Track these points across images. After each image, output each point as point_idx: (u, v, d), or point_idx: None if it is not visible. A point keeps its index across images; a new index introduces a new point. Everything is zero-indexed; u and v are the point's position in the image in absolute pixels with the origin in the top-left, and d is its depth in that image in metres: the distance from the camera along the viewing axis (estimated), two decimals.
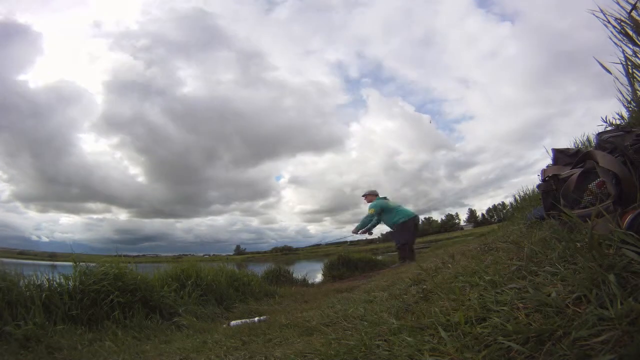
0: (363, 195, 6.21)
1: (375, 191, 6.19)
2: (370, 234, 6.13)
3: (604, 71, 2.08)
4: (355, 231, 6.10)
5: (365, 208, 6.24)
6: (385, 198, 6.06)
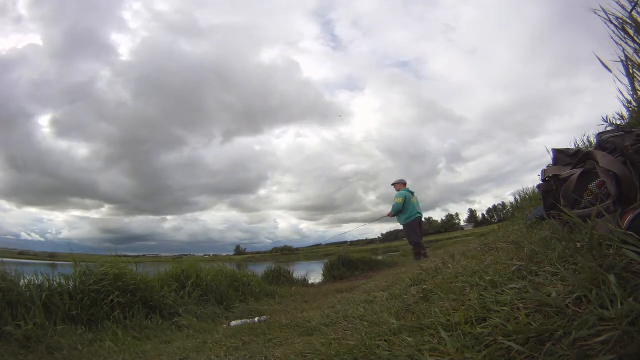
0: (392, 184, 6.71)
1: (403, 180, 6.71)
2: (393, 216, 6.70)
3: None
4: (391, 215, 6.58)
5: (388, 192, 6.88)
6: (411, 192, 6.48)
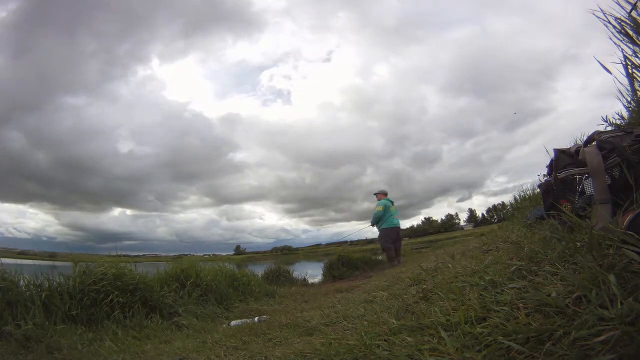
0: (375, 194, 7.29)
1: (385, 190, 7.35)
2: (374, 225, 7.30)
3: None
4: (372, 224, 7.15)
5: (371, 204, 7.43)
6: (391, 201, 7.08)
